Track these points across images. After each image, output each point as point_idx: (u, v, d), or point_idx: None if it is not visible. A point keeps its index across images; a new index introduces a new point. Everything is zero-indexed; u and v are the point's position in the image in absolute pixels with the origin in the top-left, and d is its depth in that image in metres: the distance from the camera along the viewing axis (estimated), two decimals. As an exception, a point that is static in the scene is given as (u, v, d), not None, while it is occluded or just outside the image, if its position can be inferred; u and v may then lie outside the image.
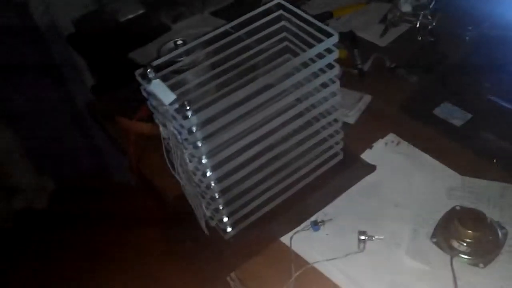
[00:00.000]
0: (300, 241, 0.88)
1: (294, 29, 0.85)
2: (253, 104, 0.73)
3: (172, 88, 0.79)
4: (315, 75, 0.79)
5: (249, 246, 0.88)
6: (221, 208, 0.82)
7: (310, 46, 0.79)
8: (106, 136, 1.29)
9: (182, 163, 0.77)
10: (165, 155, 0.78)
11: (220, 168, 0.77)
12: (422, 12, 1.22)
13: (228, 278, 0.90)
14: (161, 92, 0.69)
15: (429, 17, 1.21)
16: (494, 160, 0.95)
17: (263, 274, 0.86)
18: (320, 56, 0.77)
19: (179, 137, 0.72)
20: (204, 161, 0.74)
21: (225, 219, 0.85)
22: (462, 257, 0.81)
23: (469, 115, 1.03)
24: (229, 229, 0.86)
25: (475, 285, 0.78)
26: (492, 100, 1.05)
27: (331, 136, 0.89)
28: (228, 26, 0.84)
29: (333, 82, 0.81)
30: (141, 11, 1.54)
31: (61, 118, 1.95)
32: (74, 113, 1.94)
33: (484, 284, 0.78)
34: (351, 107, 1.09)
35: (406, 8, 1.25)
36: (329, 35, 0.76)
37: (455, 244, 0.82)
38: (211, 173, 0.76)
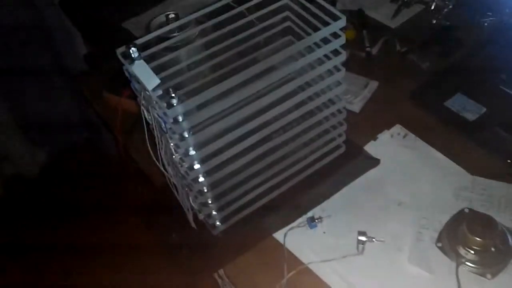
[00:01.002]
0: (295, 238, 0.83)
1: (297, 8, 0.77)
2: (250, 91, 0.67)
3: (161, 68, 0.72)
4: (320, 61, 0.73)
5: (239, 242, 0.83)
6: (209, 202, 0.76)
7: (315, 28, 0.72)
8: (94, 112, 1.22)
9: (167, 152, 0.70)
10: (148, 142, 0.70)
11: (210, 161, 0.70)
12: (438, -7, 1.16)
13: (215, 275, 0.85)
14: (144, 75, 0.61)
15: (446, -2, 1.16)
16: (509, 161, 0.89)
17: (253, 273, 0.81)
18: (325, 41, 0.70)
19: (163, 125, 0.64)
20: (191, 153, 0.67)
21: (214, 213, 0.79)
22: (469, 266, 0.77)
23: (484, 109, 0.98)
24: (218, 224, 0.80)
25: (481, 297, 0.74)
26: (508, 94, 0.99)
27: (334, 127, 0.83)
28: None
29: (338, 70, 0.74)
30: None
31: (55, 88, 1.91)
32: (68, 81, 1.87)
33: (491, 297, 0.74)
34: (356, 94, 1.03)
35: (422, -14, 1.20)
36: (336, 17, 0.69)
37: (461, 251, 0.77)
38: (199, 166, 0.70)
